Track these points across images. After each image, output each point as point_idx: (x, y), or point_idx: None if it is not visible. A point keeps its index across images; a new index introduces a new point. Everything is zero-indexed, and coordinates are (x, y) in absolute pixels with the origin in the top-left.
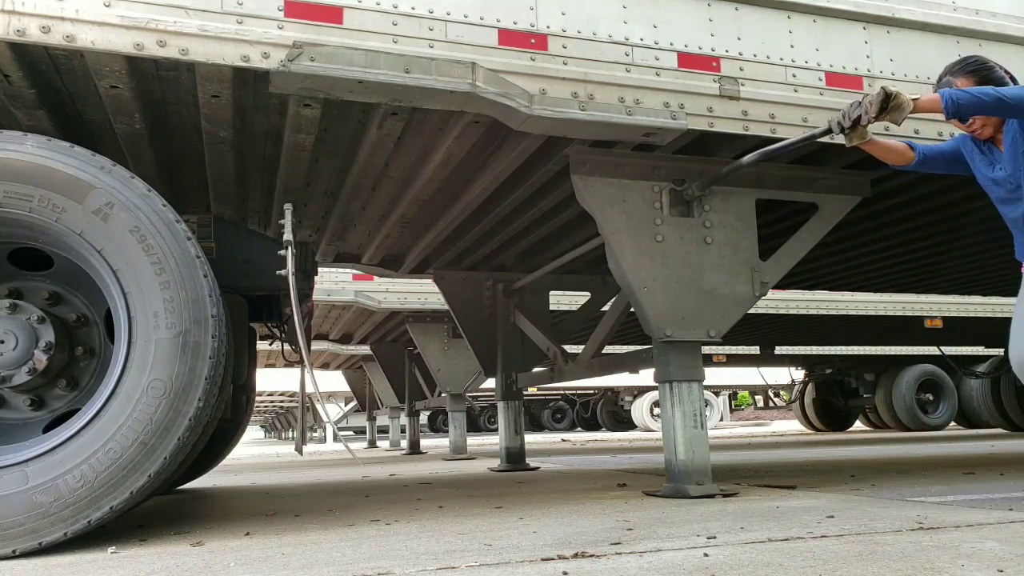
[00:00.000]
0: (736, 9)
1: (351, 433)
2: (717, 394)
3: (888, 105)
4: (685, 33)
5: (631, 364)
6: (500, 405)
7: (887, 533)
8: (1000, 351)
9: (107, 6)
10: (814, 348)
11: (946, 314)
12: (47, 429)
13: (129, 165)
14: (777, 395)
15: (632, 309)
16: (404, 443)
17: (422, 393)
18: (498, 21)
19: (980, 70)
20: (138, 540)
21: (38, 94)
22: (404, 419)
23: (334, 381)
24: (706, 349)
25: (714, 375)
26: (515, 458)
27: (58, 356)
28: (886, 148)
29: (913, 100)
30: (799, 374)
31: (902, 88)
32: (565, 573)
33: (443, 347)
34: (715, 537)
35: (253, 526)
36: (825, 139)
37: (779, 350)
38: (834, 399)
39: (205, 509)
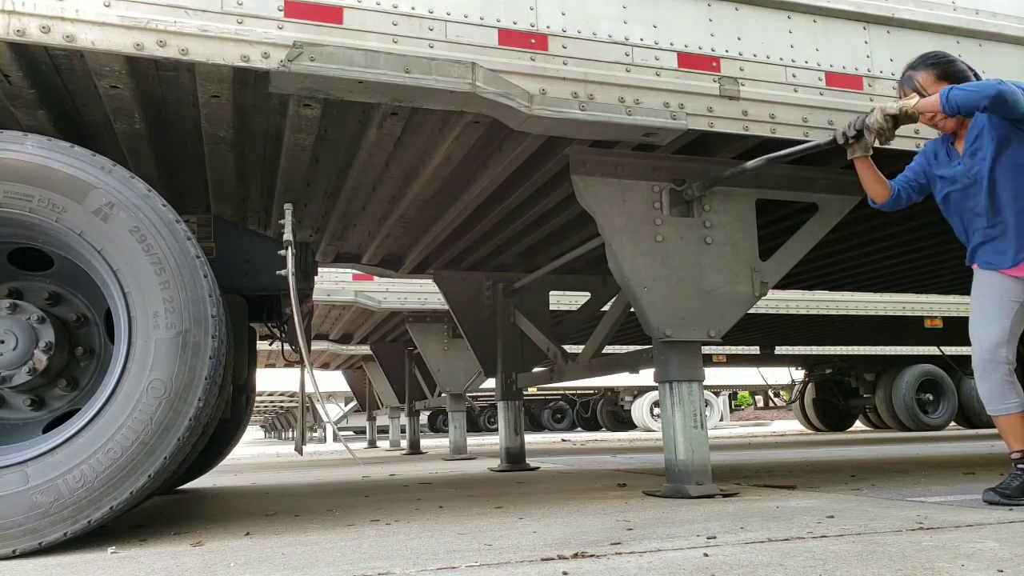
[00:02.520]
0: (736, 9)
1: (351, 433)
2: (717, 394)
3: (899, 124)
4: (685, 33)
5: (631, 364)
6: (500, 405)
7: (887, 533)
8: None
9: (107, 6)
10: (814, 348)
11: (946, 314)
12: (47, 429)
13: (129, 165)
14: (777, 395)
15: (632, 309)
16: (404, 443)
17: (422, 393)
18: (498, 21)
19: (940, 64)
20: (138, 540)
21: (38, 94)
22: (404, 419)
23: (334, 381)
24: (706, 349)
25: (714, 375)
26: (515, 458)
27: (58, 356)
28: (875, 177)
29: (916, 106)
30: (799, 374)
31: None
32: (565, 573)
33: (443, 347)
34: (715, 537)
35: (253, 526)
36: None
37: (779, 350)
38: (834, 399)
39: (205, 509)
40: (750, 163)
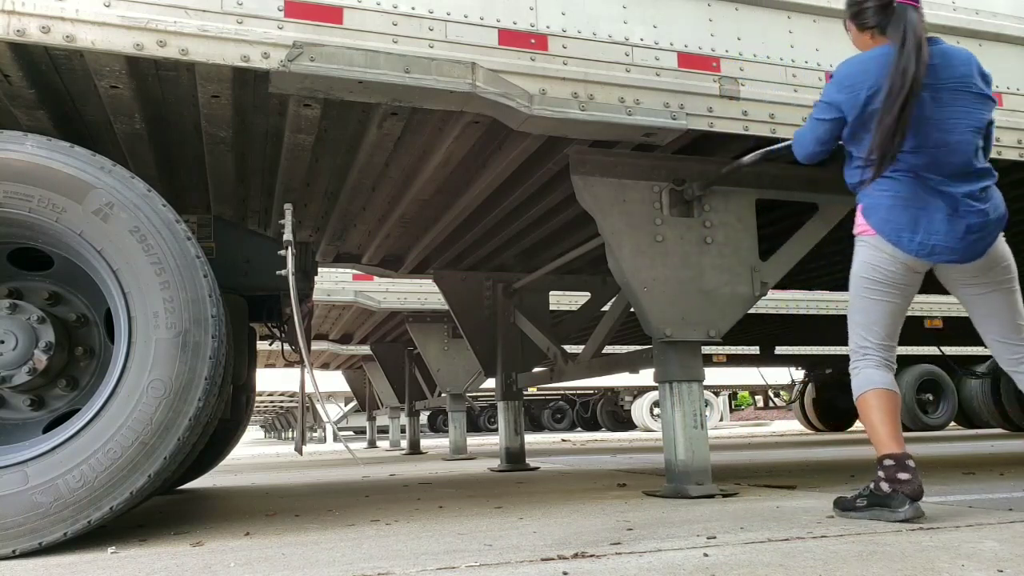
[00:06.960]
0: (736, 9)
1: (351, 433)
2: (717, 394)
3: None
4: (685, 33)
5: (631, 364)
6: (500, 405)
7: (887, 533)
8: None
9: (107, 6)
10: (814, 348)
11: (946, 314)
12: (47, 429)
13: (129, 165)
14: (777, 395)
15: (632, 309)
16: (404, 443)
17: (422, 393)
18: (498, 21)
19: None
20: (138, 540)
21: (38, 94)
22: (404, 419)
23: (334, 381)
24: (706, 349)
25: (714, 375)
26: (515, 458)
27: (58, 356)
28: None
29: None
30: (799, 374)
31: None
32: (565, 573)
33: (443, 347)
34: (715, 537)
35: (253, 526)
36: None
37: (779, 350)
38: (834, 399)
39: (205, 509)
40: (747, 158)
